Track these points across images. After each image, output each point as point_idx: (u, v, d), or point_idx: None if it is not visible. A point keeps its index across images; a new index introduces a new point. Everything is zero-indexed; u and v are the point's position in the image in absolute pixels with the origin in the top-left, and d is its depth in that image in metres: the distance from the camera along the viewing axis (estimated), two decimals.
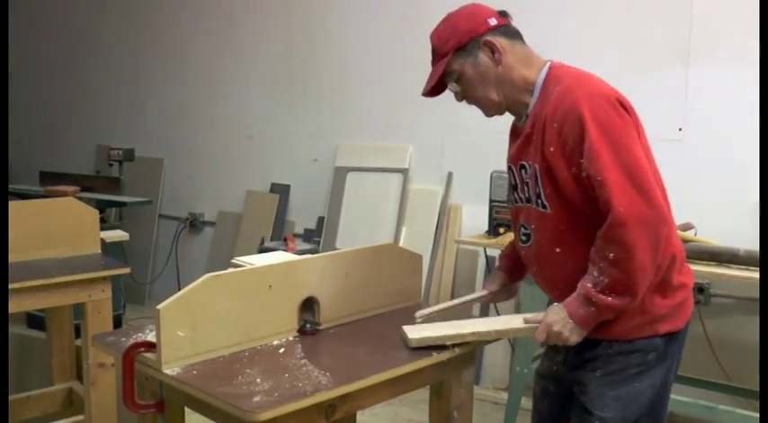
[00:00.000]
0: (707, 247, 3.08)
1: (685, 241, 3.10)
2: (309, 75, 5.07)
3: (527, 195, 1.92)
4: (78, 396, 3.30)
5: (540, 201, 1.87)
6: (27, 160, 6.47)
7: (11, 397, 3.16)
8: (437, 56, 1.94)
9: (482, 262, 4.23)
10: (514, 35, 1.94)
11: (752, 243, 3.21)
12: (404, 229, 4.55)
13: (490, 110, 1.97)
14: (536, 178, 1.86)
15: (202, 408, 1.67)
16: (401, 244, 4.33)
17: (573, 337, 1.81)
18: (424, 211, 4.50)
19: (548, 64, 1.93)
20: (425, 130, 4.46)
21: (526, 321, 1.90)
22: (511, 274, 2.19)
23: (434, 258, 4.41)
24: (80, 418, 3.08)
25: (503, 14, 1.96)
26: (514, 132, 1.99)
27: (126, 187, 5.23)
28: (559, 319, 1.81)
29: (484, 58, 1.89)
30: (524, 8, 4.08)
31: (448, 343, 1.88)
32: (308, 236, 4.98)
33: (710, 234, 3.22)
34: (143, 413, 1.82)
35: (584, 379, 1.92)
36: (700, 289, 3.38)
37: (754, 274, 2.93)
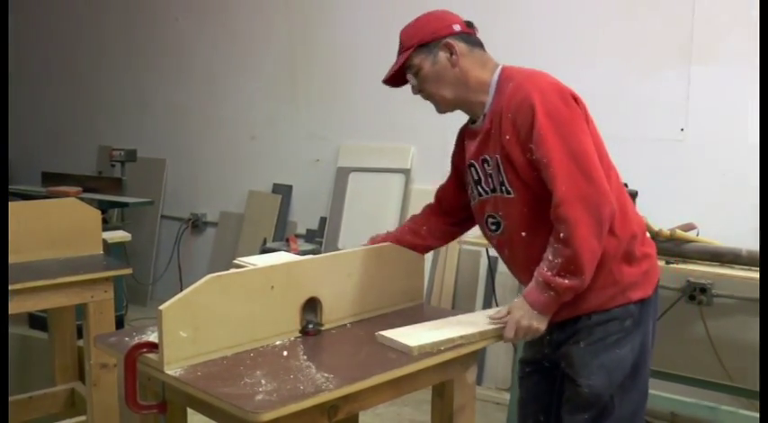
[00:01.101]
0: (709, 248, 3.08)
1: (687, 241, 3.10)
2: (312, 75, 5.07)
3: (492, 186, 2.06)
4: (80, 397, 3.31)
5: (503, 188, 2.01)
6: (29, 161, 6.48)
7: (13, 398, 3.17)
8: (401, 49, 2.10)
9: (484, 262, 4.22)
10: (475, 43, 2.09)
11: (754, 243, 3.21)
12: None
13: (441, 106, 2.12)
14: (498, 167, 2.00)
15: (204, 408, 1.67)
16: None
17: (540, 325, 1.94)
18: None
19: (500, 66, 2.07)
20: (427, 130, 4.45)
21: (491, 319, 2.00)
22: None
23: (436, 259, 4.41)
24: (82, 418, 3.08)
25: (469, 25, 2.12)
26: (470, 134, 2.14)
27: (128, 188, 5.24)
28: (524, 313, 1.93)
29: (442, 57, 2.05)
30: (525, 9, 4.11)
31: (442, 348, 1.88)
32: (311, 236, 4.98)
33: (713, 234, 3.21)
34: (145, 414, 1.82)
35: (568, 352, 2.06)
36: (702, 289, 3.38)
37: (757, 275, 2.93)
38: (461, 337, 1.92)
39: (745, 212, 3.45)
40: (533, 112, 1.89)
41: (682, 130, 3.67)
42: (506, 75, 2.03)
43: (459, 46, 2.05)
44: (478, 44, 2.11)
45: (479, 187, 2.11)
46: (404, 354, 1.85)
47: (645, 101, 3.75)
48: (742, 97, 3.48)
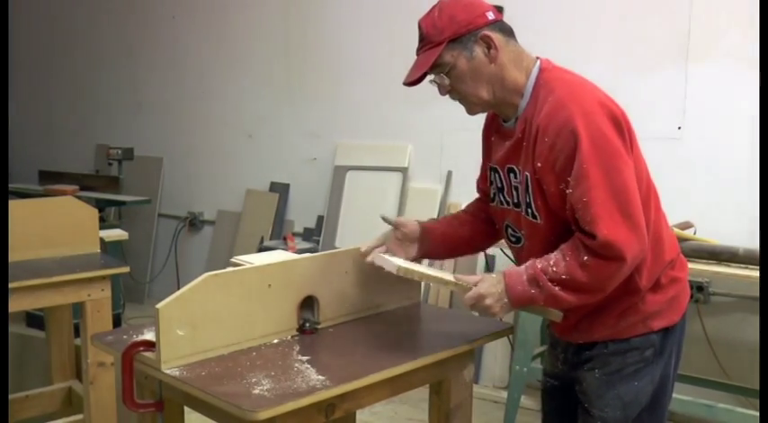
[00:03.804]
0: (706, 246, 3.09)
1: (685, 240, 3.10)
2: (308, 73, 5.07)
3: (516, 200, 1.89)
4: (78, 395, 3.30)
5: (530, 211, 1.85)
6: (26, 159, 6.47)
7: (10, 396, 3.16)
8: (428, 44, 1.83)
9: (481, 261, 4.22)
10: (509, 33, 1.87)
11: (751, 241, 3.22)
12: None
13: (476, 107, 1.90)
14: (526, 186, 1.83)
15: (202, 407, 1.67)
16: None
17: (501, 313, 1.79)
18: (424, 209, 4.50)
19: (537, 65, 1.86)
20: (425, 129, 4.46)
21: (456, 279, 1.85)
22: (430, 243, 2.09)
23: None
24: (79, 417, 3.08)
25: (499, 10, 1.88)
26: (499, 132, 1.95)
27: (125, 186, 5.24)
28: (494, 293, 1.76)
29: (479, 52, 1.81)
30: (523, 6, 4.11)
31: (416, 278, 1.94)
32: (308, 235, 4.98)
33: (710, 233, 3.22)
34: (142, 412, 1.82)
35: (582, 379, 1.91)
36: (699, 287, 3.38)
37: (754, 273, 2.94)
38: (439, 278, 1.90)
39: (742, 211, 3.45)
40: (576, 141, 1.68)
41: (679, 128, 3.67)
42: (545, 79, 1.82)
43: (497, 38, 1.81)
44: (511, 33, 1.87)
45: (502, 195, 1.95)
46: (402, 352, 1.85)
47: (642, 99, 3.74)
48: (739, 96, 3.48)
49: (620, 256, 1.68)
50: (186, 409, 1.82)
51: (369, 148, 4.77)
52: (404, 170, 4.61)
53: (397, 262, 1.92)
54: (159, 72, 5.92)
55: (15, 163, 6.39)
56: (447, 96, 1.91)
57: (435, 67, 1.83)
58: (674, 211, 3.36)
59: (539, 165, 1.76)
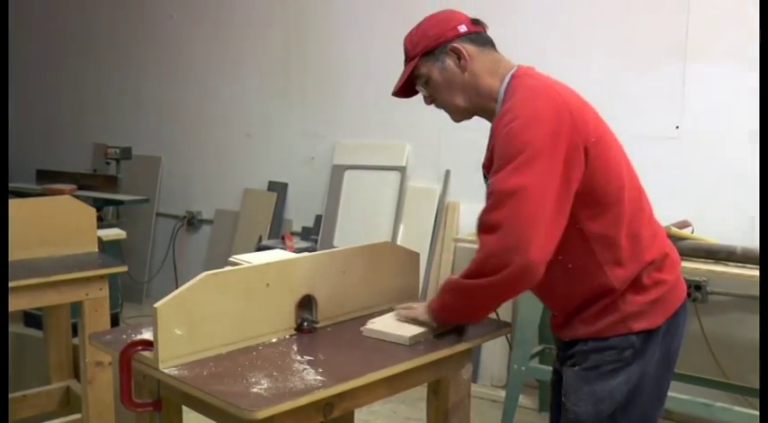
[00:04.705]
0: (704, 245, 3.09)
1: (682, 239, 3.11)
2: (307, 73, 5.07)
3: None
4: (75, 395, 3.30)
5: None
6: (24, 159, 6.46)
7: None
8: (407, 58, 1.99)
9: None
10: (485, 43, 1.96)
11: (749, 241, 3.23)
12: (401, 228, 4.55)
13: (456, 115, 2.01)
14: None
15: (200, 406, 1.67)
16: (399, 242, 4.33)
17: (421, 318, 1.96)
18: (422, 209, 4.51)
19: (511, 72, 1.91)
20: (423, 128, 4.46)
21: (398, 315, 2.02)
22: None
23: (432, 256, 4.41)
24: (77, 416, 3.07)
25: (476, 22, 1.98)
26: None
27: (123, 185, 5.23)
28: (422, 306, 1.98)
29: (450, 63, 1.93)
30: (520, 7, 4.11)
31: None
32: (306, 234, 4.98)
33: (707, 232, 3.23)
34: (140, 412, 1.82)
35: (565, 373, 1.97)
36: (697, 286, 3.39)
37: (751, 272, 2.94)
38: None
39: (740, 210, 3.46)
40: (508, 142, 1.75)
41: (677, 127, 3.67)
42: (513, 85, 1.88)
43: (468, 48, 1.92)
44: (489, 43, 1.97)
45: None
46: (399, 351, 1.85)
47: (640, 98, 3.75)
48: (737, 95, 3.49)
49: (494, 228, 1.73)
50: (184, 408, 1.82)
51: (367, 147, 4.77)
52: (402, 169, 4.61)
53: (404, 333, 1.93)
54: (157, 71, 5.92)
55: (13, 162, 6.37)
56: (428, 103, 2.04)
57: (415, 79, 1.99)
58: (671, 210, 3.39)
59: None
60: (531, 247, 1.69)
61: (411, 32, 2.00)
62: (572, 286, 1.90)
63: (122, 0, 6.09)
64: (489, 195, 1.79)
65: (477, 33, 1.96)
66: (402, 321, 1.99)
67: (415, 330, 1.92)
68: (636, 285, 1.87)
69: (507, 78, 1.90)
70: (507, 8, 4.07)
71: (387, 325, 1.98)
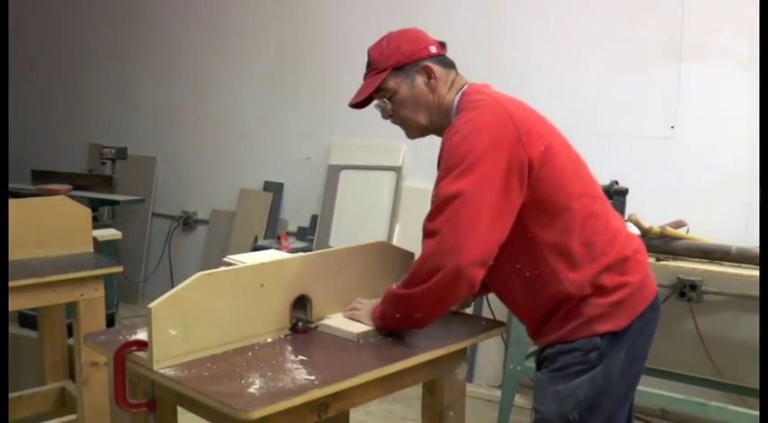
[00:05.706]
0: (699, 245, 3.10)
1: (677, 239, 3.11)
2: (302, 73, 5.07)
3: None
4: (71, 395, 3.30)
5: None
6: (19, 159, 6.44)
7: None
8: (374, 70, 2.02)
9: None
10: (450, 66, 2.03)
11: (743, 240, 3.23)
12: (397, 227, 4.55)
13: (414, 132, 2.07)
14: None
15: (194, 406, 1.67)
16: (394, 242, 4.33)
17: (364, 318, 1.99)
18: (418, 209, 4.47)
19: (464, 88, 1.98)
20: None
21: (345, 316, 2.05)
22: None
23: None
24: (73, 417, 3.07)
25: (442, 46, 2.04)
26: None
27: (119, 186, 5.22)
28: (367, 304, 2.02)
29: (420, 81, 1.98)
30: (514, 7, 4.11)
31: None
32: (302, 234, 4.98)
33: (702, 231, 3.23)
34: (135, 412, 1.81)
35: (536, 377, 2.01)
36: (692, 286, 3.40)
37: (746, 272, 2.95)
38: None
39: (735, 210, 3.47)
40: (448, 153, 1.84)
41: (672, 127, 3.68)
42: (462, 102, 1.95)
43: (438, 70, 1.98)
44: (452, 65, 2.04)
45: None
46: (394, 351, 1.86)
47: (635, 98, 3.76)
48: (732, 95, 3.49)
49: (434, 233, 1.78)
50: (179, 408, 1.82)
51: (362, 147, 4.77)
52: (398, 169, 4.62)
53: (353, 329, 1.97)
54: (152, 71, 5.91)
55: (8, 162, 6.37)
56: (386, 117, 2.08)
57: (379, 92, 2.01)
58: (666, 210, 3.40)
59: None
60: (464, 251, 1.74)
61: (380, 44, 2.04)
62: (532, 295, 1.93)
63: (118, 0, 6.08)
64: (432, 204, 1.84)
65: (444, 56, 2.03)
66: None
67: (364, 327, 1.97)
68: (598, 289, 1.88)
69: (458, 96, 1.98)
70: (500, 9, 4.07)
71: (339, 321, 2.02)
